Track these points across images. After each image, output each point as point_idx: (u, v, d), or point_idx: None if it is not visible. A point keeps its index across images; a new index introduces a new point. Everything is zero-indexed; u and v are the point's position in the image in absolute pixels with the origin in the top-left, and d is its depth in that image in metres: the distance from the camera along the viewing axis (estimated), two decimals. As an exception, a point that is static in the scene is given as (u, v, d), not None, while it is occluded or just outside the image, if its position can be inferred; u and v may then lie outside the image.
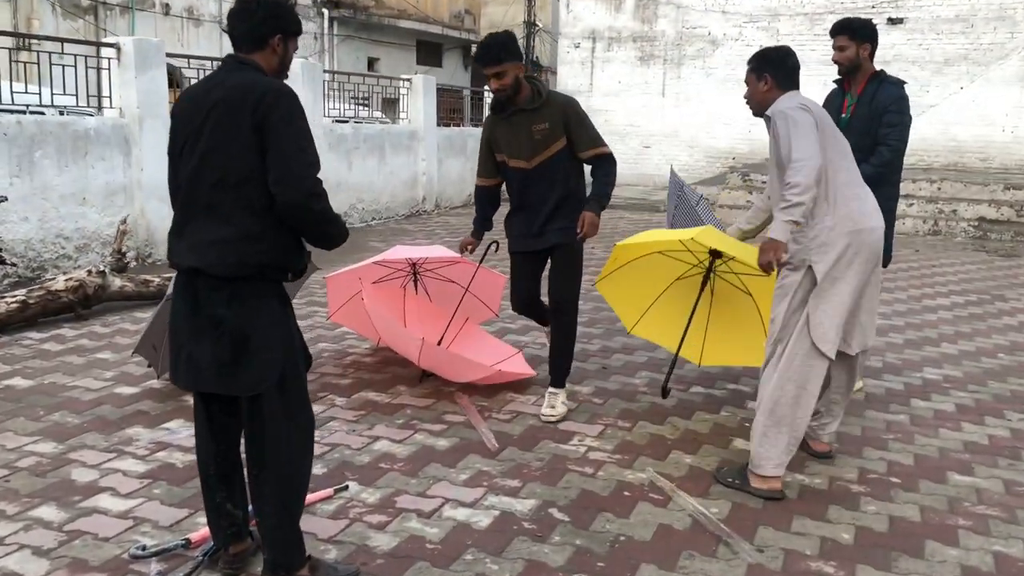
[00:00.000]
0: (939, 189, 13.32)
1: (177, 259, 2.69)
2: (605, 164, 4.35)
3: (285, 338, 2.70)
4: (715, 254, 4.32)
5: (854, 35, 4.69)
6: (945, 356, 5.91)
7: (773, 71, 3.80)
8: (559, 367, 4.54)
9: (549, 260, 4.56)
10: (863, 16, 5.14)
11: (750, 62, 3.90)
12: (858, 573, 3.02)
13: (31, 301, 5.94)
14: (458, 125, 15.83)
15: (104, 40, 8.36)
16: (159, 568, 2.90)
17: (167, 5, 16.84)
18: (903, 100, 4.64)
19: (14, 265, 7.07)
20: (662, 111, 18.28)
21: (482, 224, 4.80)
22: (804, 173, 3.41)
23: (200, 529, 3.08)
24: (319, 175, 2.62)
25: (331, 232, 2.71)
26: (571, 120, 4.29)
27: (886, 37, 16.29)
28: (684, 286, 4.52)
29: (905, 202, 13.26)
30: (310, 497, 3.40)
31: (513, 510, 3.43)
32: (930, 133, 15.33)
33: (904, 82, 4.75)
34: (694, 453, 4.07)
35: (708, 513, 3.41)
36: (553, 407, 4.43)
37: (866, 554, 3.16)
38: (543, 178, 4.36)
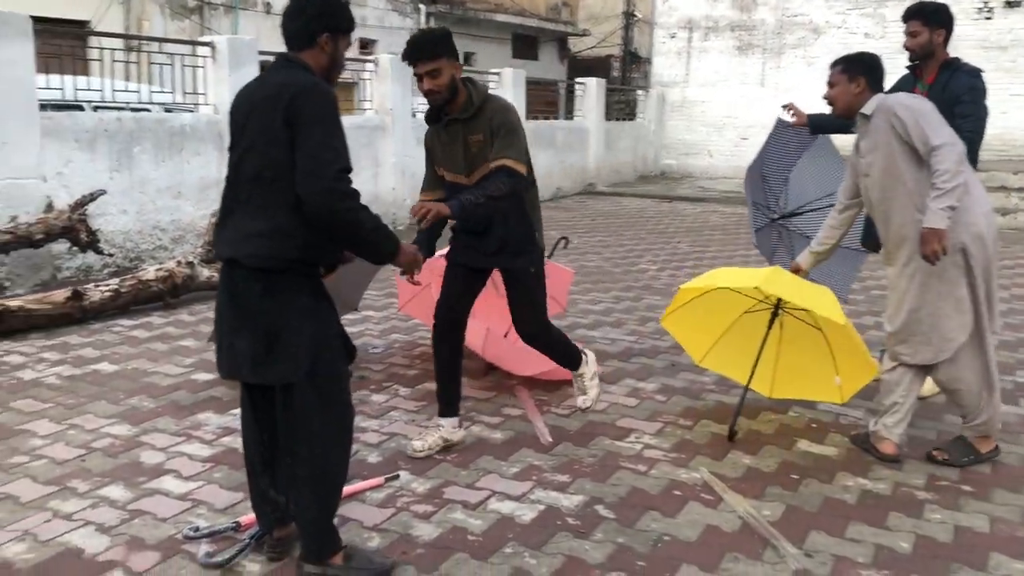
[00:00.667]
0: (1055, 181, 12.58)
1: (218, 250, 2.78)
2: (499, 173, 3.55)
3: (317, 331, 2.73)
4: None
5: (927, 20, 4.47)
6: (1042, 359, 5.59)
7: (867, 74, 3.81)
8: (565, 355, 4.08)
9: (506, 289, 3.97)
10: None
11: (839, 63, 3.89)
12: (912, 584, 2.90)
13: (123, 290, 6.23)
14: (554, 118, 15.82)
15: (200, 39, 8.67)
16: (208, 549, 3.00)
17: (269, 4, 17.36)
18: (977, 90, 4.40)
19: (111, 255, 7.43)
20: (761, 102, 17.79)
21: (426, 246, 3.67)
22: (952, 158, 3.49)
23: (250, 513, 3.17)
24: (350, 171, 2.63)
25: (365, 237, 2.67)
26: (496, 128, 3.60)
27: (1003, 21, 15.50)
28: (752, 320, 4.39)
29: (1019, 195, 12.59)
30: (361, 485, 3.48)
31: (559, 505, 3.41)
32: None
33: (980, 70, 4.50)
34: (754, 454, 3.96)
35: (758, 515, 3.31)
36: (585, 392, 4.10)
37: (924, 564, 3.02)
38: None
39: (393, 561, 2.93)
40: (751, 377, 4.31)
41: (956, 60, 4.53)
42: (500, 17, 24.01)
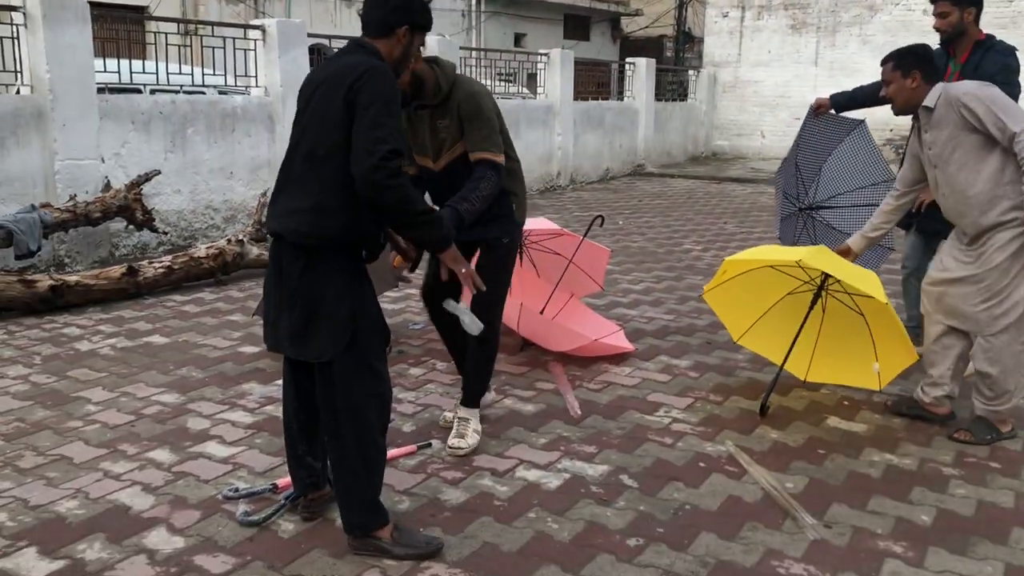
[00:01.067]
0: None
1: (268, 224, 2.90)
2: (484, 169, 3.47)
3: (354, 311, 2.79)
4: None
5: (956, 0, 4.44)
6: (1087, 340, 5.49)
7: (920, 67, 3.81)
8: (472, 389, 3.85)
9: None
10: None
11: (890, 60, 3.89)
12: (929, 555, 2.92)
13: (175, 267, 6.46)
14: (605, 99, 15.79)
15: (251, 23, 8.87)
16: (246, 508, 3.15)
17: (322, -12, 17.62)
18: (1010, 69, 4.38)
19: (165, 233, 7.68)
20: (815, 81, 17.52)
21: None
22: None
23: (287, 476, 3.32)
24: (401, 153, 2.64)
25: (413, 219, 2.71)
26: (465, 115, 3.50)
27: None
28: (795, 301, 4.40)
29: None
30: (394, 452, 3.60)
31: (584, 474, 3.50)
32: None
33: (1015, 48, 4.47)
34: (782, 429, 4.00)
35: (779, 487, 3.36)
36: (463, 436, 3.71)
37: (942, 537, 3.04)
38: (453, 185, 3.50)
39: (440, 542, 2.93)
40: (787, 357, 4.35)
41: (991, 38, 4.50)
42: (550, -2, 23.97)
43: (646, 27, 27.75)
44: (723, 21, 18.64)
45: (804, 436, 3.93)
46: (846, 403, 4.34)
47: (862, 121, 5.63)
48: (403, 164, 2.67)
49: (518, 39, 23.53)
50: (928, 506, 3.27)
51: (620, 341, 5.17)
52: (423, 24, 2.92)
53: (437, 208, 3.35)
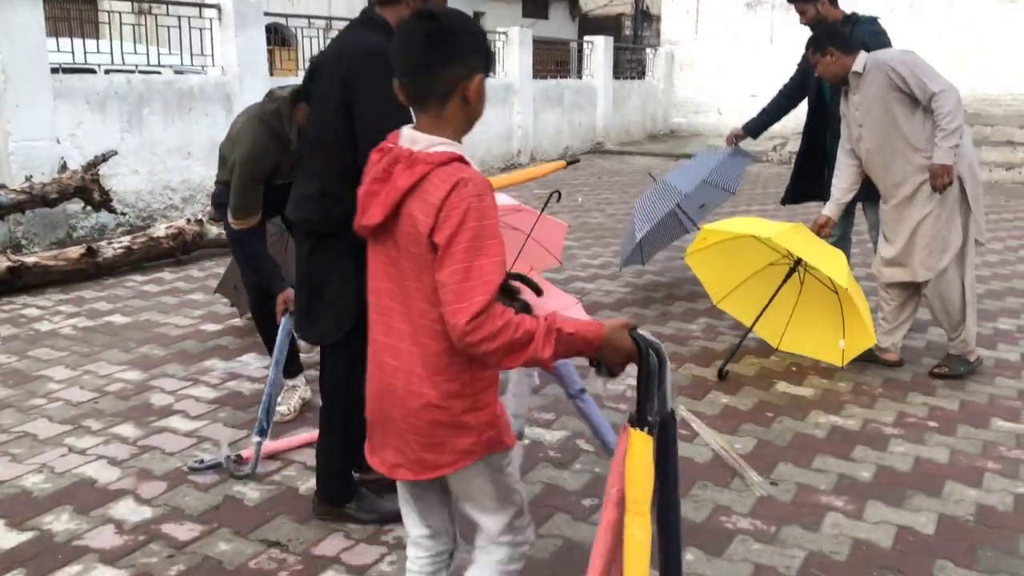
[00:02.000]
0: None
1: (286, 211, 2.95)
2: None
3: (357, 297, 2.72)
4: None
5: None
6: (1026, 306, 5.72)
7: (834, 43, 4.26)
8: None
9: None
10: None
11: (809, 46, 4.36)
12: (867, 508, 3.08)
13: (135, 247, 6.45)
14: (565, 77, 15.84)
15: (206, 1, 8.79)
16: (228, 453, 3.27)
17: (278, -34, 17.38)
18: (879, 34, 4.80)
19: (123, 214, 7.64)
20: (770, 59, 17.72)
21: None
22: (952, 101, 3.96)
23: (250, 447, 3.39)
24: None
25: None
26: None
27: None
28: (775, 272, 4.56)
29: (1024, 150, 12.59)
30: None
31: (543, 440, 3.62)
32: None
33: (876, 17, 4.95)
34: (733, 394, 4.15)
35: (728, 447, 3.51)
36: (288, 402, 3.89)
37: (881, 491, 3.20)
38: None
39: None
40: (755, 322, 4.53)
41: (853, 14, 4.97)
42: (510, -24, 23.88)
43: (604, 6, 27.79)
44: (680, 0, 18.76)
45: (754, 400, 4.08)
46: (794, 369, 4.50)
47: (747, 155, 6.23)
48: None
49: (477, 17, 23.43)
50: (869, 463, 3.43)
51: (579, 314, 5.28)
52: None
53: None
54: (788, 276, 4.43)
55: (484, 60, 1.83)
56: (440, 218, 1.68)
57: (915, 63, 4.09)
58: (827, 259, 4.18)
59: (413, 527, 2.05)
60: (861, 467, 3.40)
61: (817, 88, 5.14)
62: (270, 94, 3.59)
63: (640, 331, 1.79)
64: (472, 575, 1.96)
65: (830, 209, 4.51)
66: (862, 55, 4.23)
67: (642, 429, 1.72)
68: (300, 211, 2.80)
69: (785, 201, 5.68)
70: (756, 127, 5.90)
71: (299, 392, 3.97)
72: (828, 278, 4.27)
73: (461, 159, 1.77)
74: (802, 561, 2.76)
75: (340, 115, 2.65)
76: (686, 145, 16.95)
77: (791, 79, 5.60)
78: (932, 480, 3.29)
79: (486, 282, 1.65)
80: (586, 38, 16.64)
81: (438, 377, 1.79)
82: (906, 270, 4.29)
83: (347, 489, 3.00)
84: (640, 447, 1.72)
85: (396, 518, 2.92)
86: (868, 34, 4.76)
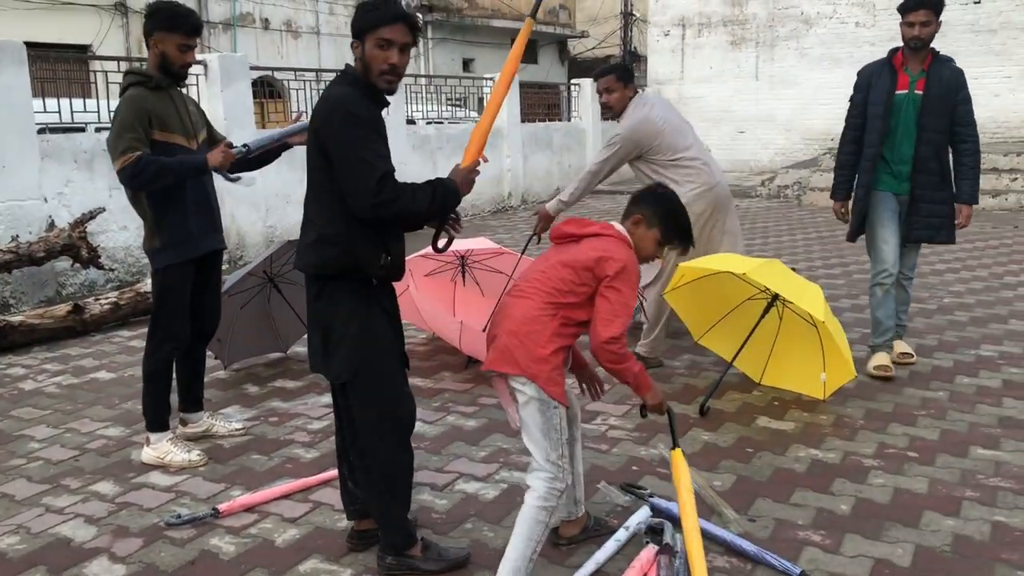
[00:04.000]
0: (1047, 161, 12.66)
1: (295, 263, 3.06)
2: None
3: (363, 334, 2.86)
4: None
5: (935, 9, 4.74)
6: (1009, 333, 5.73)
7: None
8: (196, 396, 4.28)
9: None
10: None
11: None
12: (845, 541, 3.07)
13: (122, 302, 6.48)
14: (556, 119, 16.00)
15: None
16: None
17: (267, 20, 17.68)
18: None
19: (112, 270, 7.69)
20: (756, 95, 17.95)
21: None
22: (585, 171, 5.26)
23: (229, 500, 3.39)
24: (388, 174, 2.71)
25: (429, 216, 2.83)
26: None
27: (992, 4, 15.51)
28: (753, 307, 4.58)
29: (1009, 176, 12.67)
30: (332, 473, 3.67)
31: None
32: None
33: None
34: (714, 431, 4.15)
35: (706, 485, 3.50)
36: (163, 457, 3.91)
37: (859, 524, 3.19)
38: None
39: (468, 552, 3.03)
40: (735, 357, 4.55)
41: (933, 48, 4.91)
42: (497, 23, 24.24)
43: (593, 48, 28.17)
44: (665, 40, 19.02)
45: (734, 436, 4.08)
46: (776, 403, 4.50)
47: None
48: (394, 184, 2.71)
49: (467, 64, 23.77)
50: (847, 496, 3.42)
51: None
52: (368, 30, 2.78)
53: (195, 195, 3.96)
54: (766, 311, 4.46)
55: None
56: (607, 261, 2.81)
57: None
58: (803, 293, 4.21)
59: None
60: (840, 500, 3.39)
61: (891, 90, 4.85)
62: None
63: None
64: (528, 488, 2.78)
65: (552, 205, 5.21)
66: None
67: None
68: (303, 258, 2.92)
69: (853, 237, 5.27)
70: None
71: (212, 422, 4.27)
72: (807, 312, 4.29)
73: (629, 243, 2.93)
74: (777, 598, 2.74)
75: (322, 164, 2.78)
76: (676, 182, 17.06)
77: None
78: (910, 511, 3.28)
79: (627, 312, 2.80)
80: (573, 81, 16.85)
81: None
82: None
83: (408, 536, 2.97)
84: (681, 462, 2.96)
85: (462, 565, 2.93)
86: (960, 78, 4.81)
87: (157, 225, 3.90)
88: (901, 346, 5.16)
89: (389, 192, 2.69)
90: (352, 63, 2.90)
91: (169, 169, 3.73)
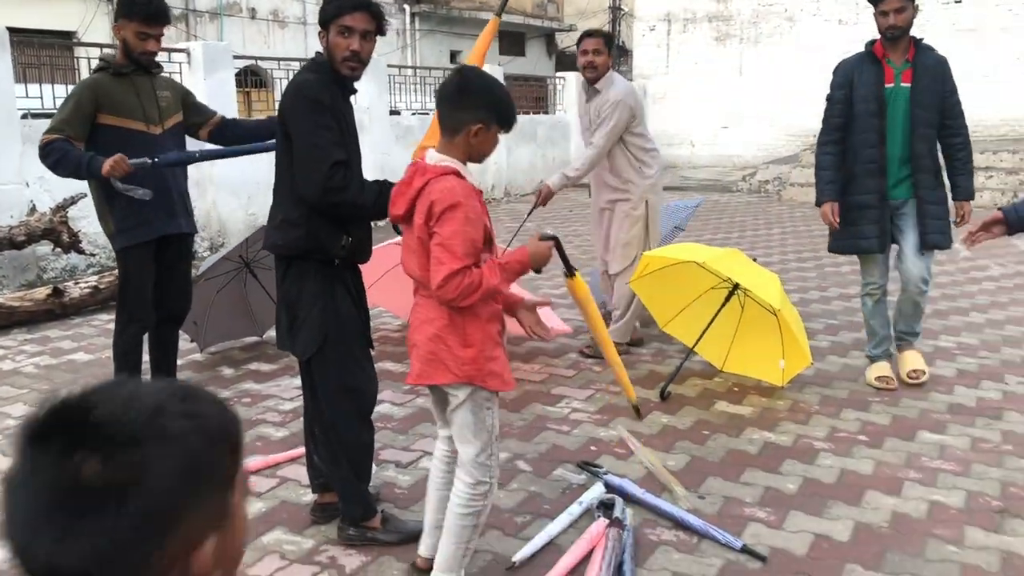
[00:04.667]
0: (1022, 160, 12.85)
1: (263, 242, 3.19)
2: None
3: (326, 314, 2.96)
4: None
5: None
6: (968, 325, 5.89)
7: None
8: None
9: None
10: None
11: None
12: (789, 518, 3.21)
13: (101, 286, 6.57)
14: (544, 113, 16.11)
15: (175, 46, 8.99)
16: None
17: (253, 9, 17.70)
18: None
19: (93, 255, 7.77)
20: (740, 90, 18.10)
21: None
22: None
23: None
24: (341, 162, 2.81)
25: (375, 213, 2.91)
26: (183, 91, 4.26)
27: (972, 4, 15.70)
28: (716, 295, 4.71)
29: (984, 174, 12.85)
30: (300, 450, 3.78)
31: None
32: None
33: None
34: (673, 414, 4.28)
35: (659, 464, 3.63)
36: None
37: (803, 502, 3.33)
38: (171, 148, 3.98)
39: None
40: (695, 344, 4.68)
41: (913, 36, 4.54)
42: (484, 15, 24.24)
43: (580, 42, 28.23)
44: (650, 35, 19.15)
45: (693, 419, 4.21)
46: (736, 389, 4.64)
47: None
48: (345, 173, 2.82)
49: (454, 56, 23.82)
50: (796, 476, 3.56)
51: (550, 315, 5.28)
52: (338, 19, 2.89)
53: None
54: (727, 300, 4.59)
55: (490, 113, 2.49)
56: (431, 212, 2.44)
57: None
58: (760, 281, 4.34)
59: (440, 429, 2.80)
60: (788, 479, 3.53)
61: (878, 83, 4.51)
62: None
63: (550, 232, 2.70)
64: (452, 491, 2.65)
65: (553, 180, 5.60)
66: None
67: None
68: (269, 239, 3.04)
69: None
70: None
71: None
72: (766, 301, 4.42)
73: (457, 172, 2.49)
74: (718, 570, 2.87)
75: (286, 148, 2.92)
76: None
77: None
78: (854, 490, 3.42)
79: (453, 250, 2.39)
80: (558, 74, 16.95)
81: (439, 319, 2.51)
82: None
83: (368, 508, 3.08)
84: (581, 286, 2.88)
85: (417, 537, 3.02)
86: (946, 68, 4.49)
87: (108, 210, 3.92)
88: (913, 361, 4.73)
89: (339, 180, 2.80)
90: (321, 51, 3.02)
91: (67, 162, 3.68)
